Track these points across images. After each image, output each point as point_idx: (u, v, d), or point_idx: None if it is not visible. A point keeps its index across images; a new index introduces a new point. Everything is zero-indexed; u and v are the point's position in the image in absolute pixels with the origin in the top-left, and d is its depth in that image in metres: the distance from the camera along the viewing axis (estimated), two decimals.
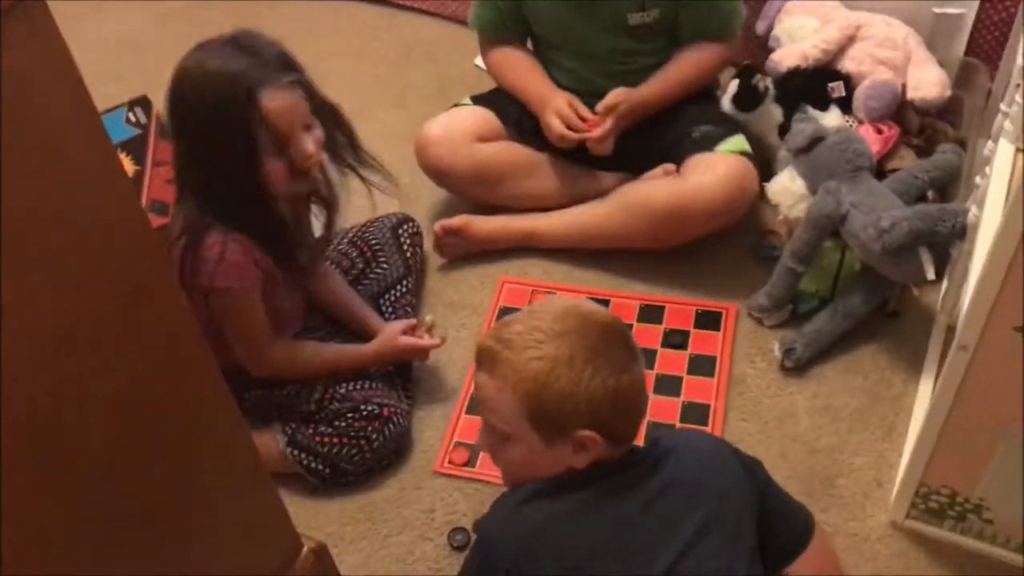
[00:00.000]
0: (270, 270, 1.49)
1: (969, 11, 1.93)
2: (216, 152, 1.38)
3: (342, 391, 1.57)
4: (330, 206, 1.58)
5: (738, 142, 1.81)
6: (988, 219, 1.29)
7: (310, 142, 1.44)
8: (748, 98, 1.86)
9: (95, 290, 0.75)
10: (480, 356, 1.13)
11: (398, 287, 1.78)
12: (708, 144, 1.79)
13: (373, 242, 1.82)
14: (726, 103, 1.88)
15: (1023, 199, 1.05)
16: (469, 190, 1.93)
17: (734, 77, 1.87)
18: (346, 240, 1.83)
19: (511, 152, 1.90)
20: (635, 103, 1.81)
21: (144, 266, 0.79)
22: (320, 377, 1.59)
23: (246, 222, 1.44)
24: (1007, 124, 1.38)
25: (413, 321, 1.66)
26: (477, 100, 1.96)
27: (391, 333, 1.63)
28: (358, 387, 1.59)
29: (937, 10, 1.95)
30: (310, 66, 2.37)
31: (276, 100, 1.37)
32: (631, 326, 1.78)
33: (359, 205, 2.03)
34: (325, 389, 1.57)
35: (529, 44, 1.97)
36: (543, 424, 1.09)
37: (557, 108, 1.82)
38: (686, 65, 1.84)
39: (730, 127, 1.84)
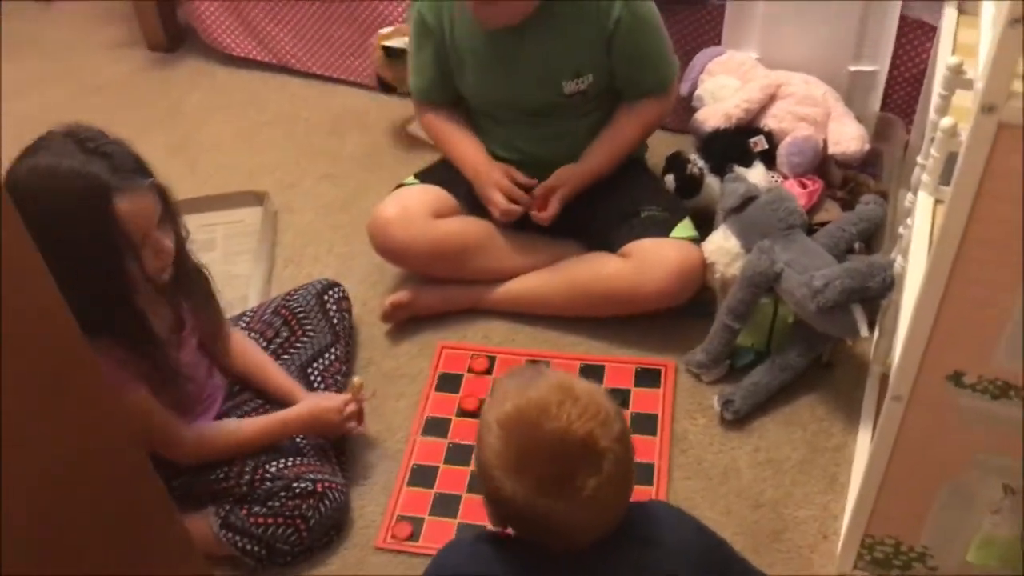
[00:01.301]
0: (143, 368, 1.45)
1: (882, 68, 2.00)
2: (69, 255, 1.32)
3: (273, 469, 1.53)
4: (197, 297, 1.55)
5: (686, 227, 1.83)
6: (913, 269, 1.32)
7: (165, 241, 1.41)
8: (688, 187, 1.91)
9: (15, 376, 0.72)
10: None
11: (326, 355, 1.75)
12: (658, 228, 1.81)
13: (297, 309, 1.79)
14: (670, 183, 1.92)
15: (945, 250, 1.08)
16: (427, 267, 1.92)
17: (666, 171, 1.92)
18: (270, 309, 1.80)
19: (468, 226, 1.90)
20: (581, 181, 1.84)
21: (63, 355, 0.76)
22: (246, 454, 1.55)
23: (105, 324, 1.36)
24: (924, 176, 1.42)
25: (338, 399, 1.61)
26: (423, 177, 1.96)
27: (312, 400, 1.60)
28: (290, 463, 1.55)
29: (852, 68, 2.02)
30: (240, 139, 2.41)
31: (132, 203, 1.35)
32: None
33: (285, 276, 2.03)
34: (255, 468, 1.53)
35: None
36: (477, 469, 1.10)
37: (496, 182, 1.84)
38: (628, 128, 1.87)
39: (677, 209, 1.87)
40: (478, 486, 1.11)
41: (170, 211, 1.45)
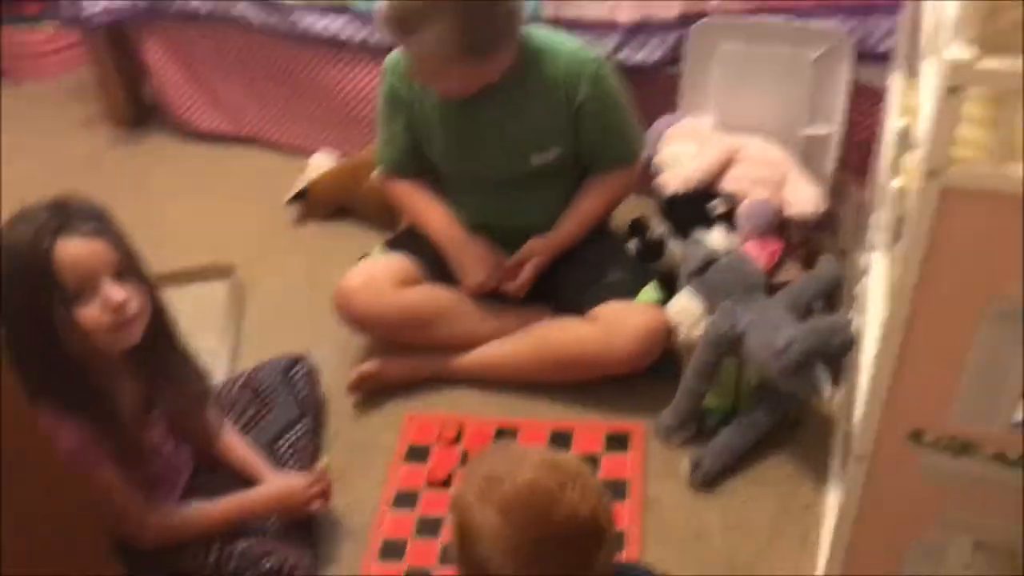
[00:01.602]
0: (107, 447, 1.40)
1: (835, 131, 2.06)
2: (14, 309, 1.29)
3: (239, 549, 1.50)
4: (171, 373, 1.50)
5: (651, 291, 1.86)
6: (870, 328, 1.34)
7: (113, 293, 1.34)
8: (651, 252, 1.95)
9: None
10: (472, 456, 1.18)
11: (294, 430, 1.73)
12: (624, 292, 1.84)
13: (263, 386, 1.78)
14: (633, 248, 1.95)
15: (897, 311, 1.10)
16: (395, 336, 1.92)
17: (629, 236, 1.95)
18: (236, 386, 1.78)
19: (436, 295, 1.90)
20: (551, 253, 1.88)
21: (12, 434, 0.75)
22: (213, 535, 1.51)
23: (66, 401, 1.33)
24: (877, 237, 1.46)
25: (304, 481, 1.59)
26: (389, 247, 1.97)
27: (279, 482, 1.58)
28: (256, 542, 1.51)
29: (807, 132, 2.07)
30: (207, 213, 2.41)
31: (76, 247, 1.31)
32: None
33: (251, 350, 2.01)
34: (221, 548, 1.49)
35: None
36: (462, 561, 1.09)
37: (472, 254, 1.86)
38: (596, 200, 1.90)
39: (642, 273, 1.90)
40: (462, 569, 1.09)
41: (133, 266, 1.40)
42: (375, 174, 2.06)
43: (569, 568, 1.03)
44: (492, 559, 1.04)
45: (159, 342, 1.46)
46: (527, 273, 1.86)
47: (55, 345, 1.32)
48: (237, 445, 1.65)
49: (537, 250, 1.88)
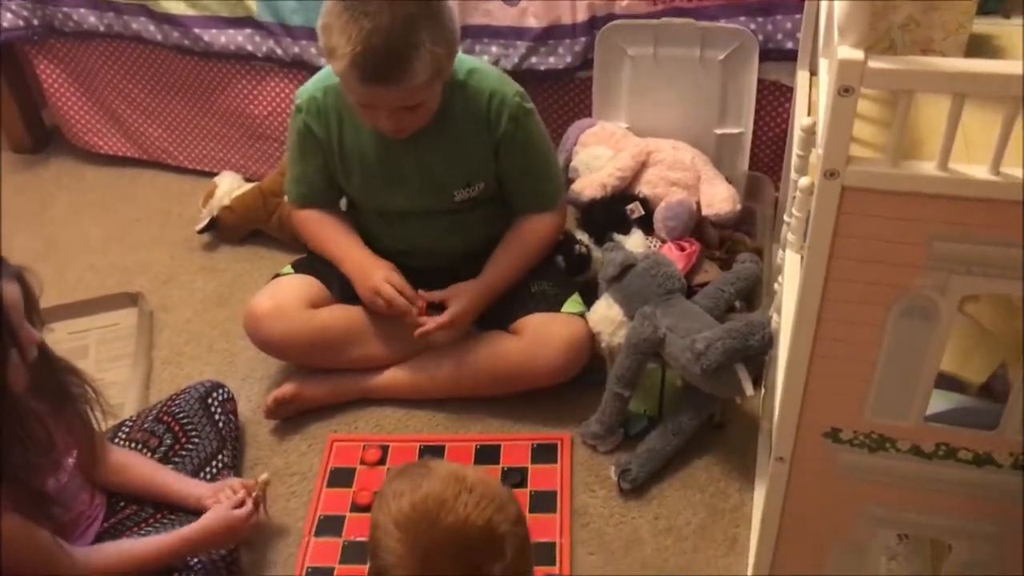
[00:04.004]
0: (15, 496, 1.34)
1: (746, 130, 2.07)
2: None
3: None
4: (65, 405, 1.46)
5: (575, 302, 1.84)
6: (786, 326, 1.34)
7: (34, 332, 1.35)
8: (577, 266, 1.93)
9: None
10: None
11: (214, 462, 1.67)
12: (548, 303, 1.81)
13: (181, 415, 1.71)
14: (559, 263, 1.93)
15: (807, 309, 1.10)
16: (308, 359, 1.87)
17: (555, 252, 1.92)
18: (151, 416, 1.72)
19: (347, 314, 1.84)
20: (477, 300, 1.80)
21: None
22: (142, 574, 1.45)
23: None
24: (789, 235, 1.46)
25: (246, 510, 1.53)
26: (298, 267, 1.90)
27: (221, 512, 1.51)
28: None
29: (718, 131, 2.08)
30: (114, 235, 2.32)
31: (6, 291, 1.29)
32: None
33: (164, 379, 1.95)
34: None
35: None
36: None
37: (376, 288, 1.77)
38: (524, 245, 1.85)
39: (567, 284, 1.87)
40: None
41: (33, 303, 1.37)
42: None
43: None
44: (389, 570, 1.02)
45: (44, 371, 1.41)
46: (442, 322, 1.77)
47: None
48: (160, 475, 1.60)
49: (463, 301, 1.79)
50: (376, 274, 1.78)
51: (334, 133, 1.76)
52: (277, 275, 1.90)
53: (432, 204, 1.81)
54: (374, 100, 1.61)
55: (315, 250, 1.89)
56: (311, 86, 1.77)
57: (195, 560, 1.52)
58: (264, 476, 1.60)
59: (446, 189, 1.79)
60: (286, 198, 1.92)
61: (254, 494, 1.56)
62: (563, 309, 1.81)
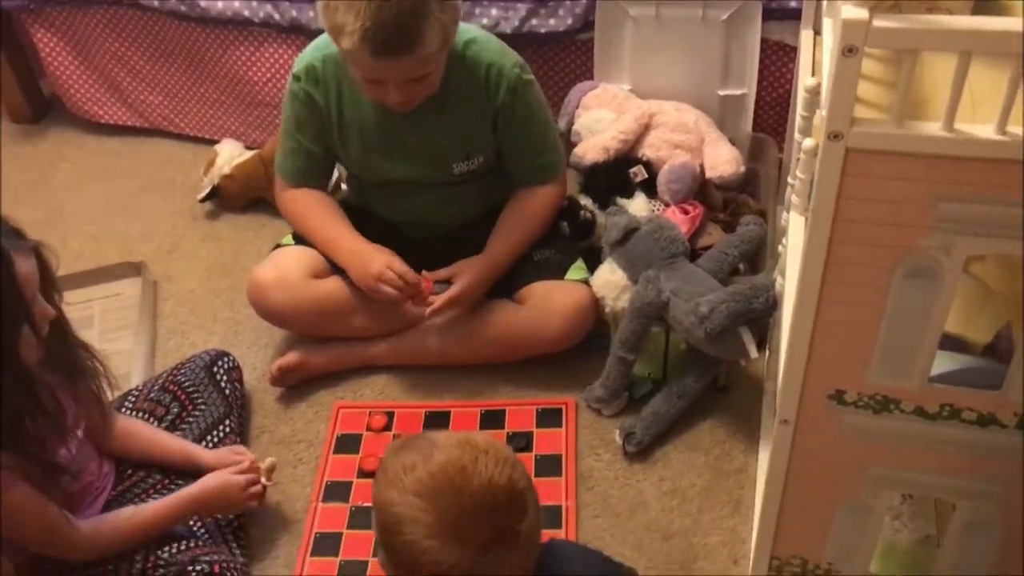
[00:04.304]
0: (24, 467, 1.36)
1: (750, 91, 2.05)
2: None
3: (165, 556, 1.45)
4: (78, 377, 1.47)
5: (579, 268, 1.83)
6: (790, 289, 1.33)
7: (48, 307, 1.35)
8: (582, 231, 1.91)
9: None
10: (377, 464, 1.14)
11: (220, 427, 1.68)
12: (551, 271, 1.80)
13: (187, 384, 1.72)
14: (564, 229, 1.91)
15: (811, 271, 1.09)
16: (312, 329, 1.86)
17: (559, 218, 1.90)
18: (157, 386, 1.73)
19: (350, 285, 1.82)
20: (481, 278, 1.78)
21: None
22: (149, 540, 1.47)
23: None
24: (793, 196, 1.45)
25: (244, 478, 1.54)
26: (299, 238, 1.89)
27: (221, 475, 1.53)
28: (183, 548, 1.47)
29: (721, 92, 2.06)
30: (117, 205, 2.32)
31: (22, 266, 1.29)
32: None
33: (169, 348, 1.95)
34: (146, 556, 1.45)
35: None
36: (386, 554, 1.08)
37: (379, 275, 1.72)
38: (525, 220, 1.83)
39: (570, 251, 1.86)
40: (391, 568, 1.08)
41: (48, 277, 1.38)
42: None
43: (494, 539, 1.02)
44: (417, 543, 1.02)
45: (60, 342, 1.42)
46: (451, 296, 1.74)
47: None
48: (161, 439, 1.61)
49: (467, 279, 1.76)
50: (376, 262, 1.74)
51: (333, 103, 1.75)
52: (278, 245, 1.89)
53: (431, 176, 1.80)
54: (384, 74, 1.58)
55: (303, 234, 1.84)
56: (309, 55, 1.75)
57: (200, 527, 1.54)
58: (270, 460, 1.61)
59: (445, 162, 1.77)
60: (277, 175, 1.87)
61: (261, 481, 1.57)
62: (567, 276, 1.81)
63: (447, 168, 1.78)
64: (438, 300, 1.75)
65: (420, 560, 1.02)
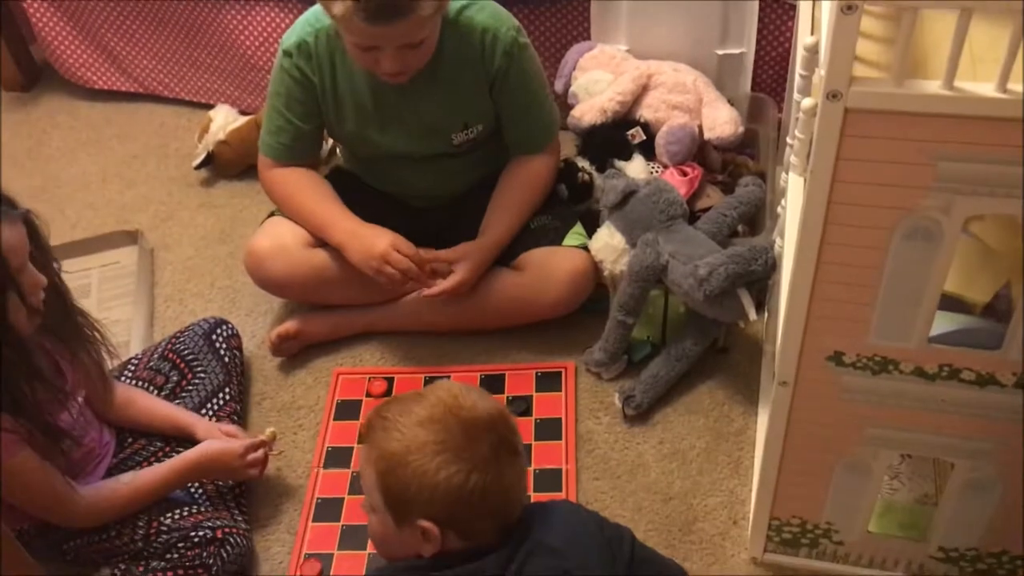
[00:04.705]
0: (26, 432, 1.37)
1: (749, 50, 2.02)
2: None
3: (168, 521, 1.47)
4: (77, 344, 1.47)
5: (577, 234, 1.81)
6: (789, 250, 1.33)
7: (39, 275, 1.35)
8: (580, 193, 1.89)
9: None
10: (363, 426, 1.16)
11: (220, 395, 1.69)
12: (548, 237, 1.79)
13: (186, 352, 1.72)
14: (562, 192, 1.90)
15: (810, 233, 1.08)
16: (310, 297, 1.86)
17: (558, 181, 1.88)
18: (157, 354, 1.73)
19: None
20: (483, 258, 1.75)
21: None
22: (146, 506, 1.48)
23: None
24: (792, 157, 1.44)
25: (240, 444, 1.54)
26: None
27: (215, 443, 1.54)
28: (185, 514, 1.49)
29: (720, 52, 2.04)
30: (112, 172, 2.30)
31: (9, 233, 1.28)
32: None
33: (168, 317, 1.95)
34: (149, 522, 1.47)
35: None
36: (392, 505, 1.10)
37: (384, 257, 1.68)
38: (523, 195, 1.80)
39: (568, 216, 1.84)
40: (399, 519, 1.10)
41: (41, 246, 1.38)
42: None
43: (498, 447, 1.07)
44: (425, 465, 1.05)
45: (57, 309, 1.42)
46: (446, 287, 1.71)
47: None
48: (159, 408, 1.62)
49: (471, 261, 1.73)
50: (380, 244, 1.69)
51: (327, 79, 1.71)
52: (272, 213, 1.87)
53: (431, 149, 1.78)
54: (379, 40, 1.55)
55: (290, 213, 1.80)
56: (300, 29, 1.70)
57: (201, 492, 1.55)
58: (271, 430, 1.61)
59: (444, 133, 1.75)
60: (261, 153, 1.83)
61: (263, 451, 1.57)
62: (565, 242, 1.79)
63: (446, 139, 1.76)
64: (436, 288, 1.72)
65: (431, 483, 1.05)
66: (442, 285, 1.72)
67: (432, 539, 1.08)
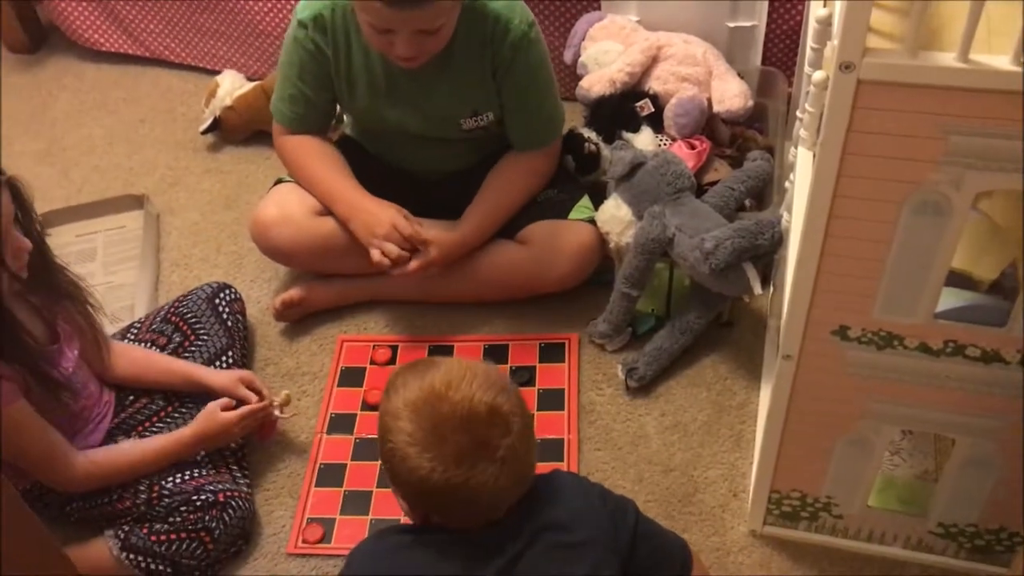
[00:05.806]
0: (25, 383, 1.38)
1: (760, 23, 2.01)
2: None
3: (170, 485, 1.48)
4: (64, 301, 1.48)
5: (584, 206, 1.80)
6: (796, 225, 1.32)
7: (23, 239, 1.35)
8: (587, 165, 1.87)
9: None
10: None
11: (223, 358, 1.69)
12: (555, 210, 1.78)
13: (188, 315, 1.72)
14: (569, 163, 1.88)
15: (818, 207, 1.08)
16: (315, 266, 1.85)
17: (563, 152, 1.86)
18: (159, 317, 1.73)
19: None
20: (452, 254, 1.74)
21: None
22: (142, 476, 1.49)
23: None
24: (802, 131, 1.43)
25: (234, 414, 1.54)
26: None
27: (211, 410, 1.53)
28: (187, 477, 1.50)
29: (731, 24, 2.02)
30: (118, 136, 2.30)
31: None
32: None
33: (173, 281, 1.95)
34: (151, 486, 1.48)
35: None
36: (385, 466, 1.11)
37: (387, 235, 1.68)
38: (511, 194, 1.78)
39: (574, 188, 1.83)
40: (389, 481, 1.12)
41: (25, 208, 1.38)
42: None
43: (470, 449, 1.05)
44: (398, 450, 1.06)
45: (41, 269, 1.43)
46: (414, 267, 1.69)
47: None
48: (157, 360, 1.63)
49: (438, 246, 1.70)
50: (382, 224, 1.69)
51: (341, 54, 1.69)
52: (279, 180, 1.87)
53: (441, 132, 1.77)
54: (396, 24, 1.53)
55: (300, 180, 1.81)
56: (316, 2, 1.68)
57: (203, 455, 1.55)
58: (284, 393, 1.62)
59: (453, 119, 1.74)
60: (275, 119, 1.83)
61: (275, 414, 1.59)
62: (571, 215, 1.78)
63: (455, 125, 1.75)
64: (410, 264, 1.70)
65: (405, 466, 1.06)
66: (409, 266, 1.70)
67: (408, 513, 1.12)
